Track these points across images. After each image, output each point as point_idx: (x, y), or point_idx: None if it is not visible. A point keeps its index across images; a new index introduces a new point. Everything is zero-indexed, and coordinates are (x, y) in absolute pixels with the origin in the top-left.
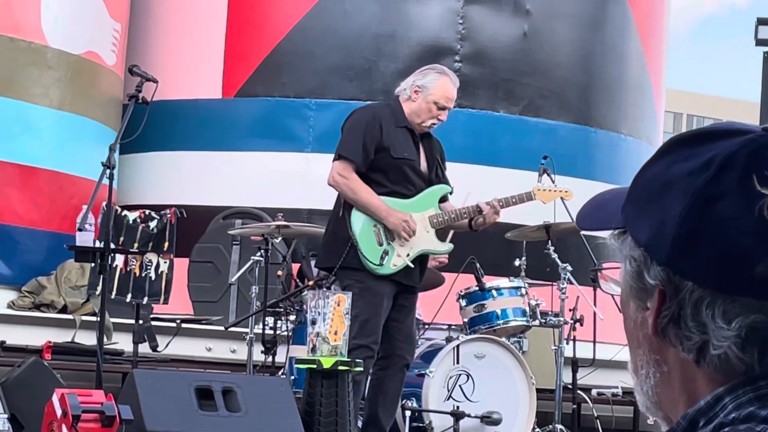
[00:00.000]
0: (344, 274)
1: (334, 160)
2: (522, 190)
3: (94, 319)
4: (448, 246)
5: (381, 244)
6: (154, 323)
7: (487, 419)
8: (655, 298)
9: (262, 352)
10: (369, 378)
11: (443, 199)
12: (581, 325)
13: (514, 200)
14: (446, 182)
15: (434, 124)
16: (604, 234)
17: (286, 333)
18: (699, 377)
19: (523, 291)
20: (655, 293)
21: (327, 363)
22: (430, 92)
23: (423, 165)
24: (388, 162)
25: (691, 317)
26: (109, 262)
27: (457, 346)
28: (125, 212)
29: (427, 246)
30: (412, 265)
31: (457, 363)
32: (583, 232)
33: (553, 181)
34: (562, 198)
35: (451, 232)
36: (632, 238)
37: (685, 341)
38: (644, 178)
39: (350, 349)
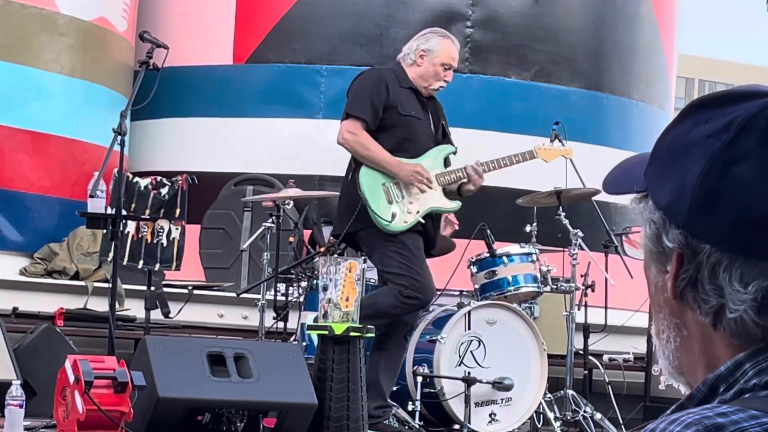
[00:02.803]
0: (372, 236)
1: (343, 119)
2: (528, 165)
3: (106, 285)
4: (456, 203)
5: (391, 202)
6: (165, 290)
7: (499, 385)
8: (674, 261)
9: (273, 318)
10: (372, 342)
11: (447, 160)
12: (592, 291)
13: (516, 159)
14: (451, 143)
15: (441, 86)
16: (617, 199)
17: (297, 299)
18: (717, 342)
19: (534, 257)
20: (674, 256)
21: (338, 329)
22: (436, 55)
23: (431, 125)
24: (395, 120)
25: (708, 280)
26: (121, 229)
27: (469, 312)
28: (137, 179)
29: (436, 204)
30: (423, 221)
31: (469, 329)
32: (595, 198)
33: (563, 145)
34: (569, 159)
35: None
36: (652, 200)
37: (703, 304)
38: (666, 140)
39: (409, 296)
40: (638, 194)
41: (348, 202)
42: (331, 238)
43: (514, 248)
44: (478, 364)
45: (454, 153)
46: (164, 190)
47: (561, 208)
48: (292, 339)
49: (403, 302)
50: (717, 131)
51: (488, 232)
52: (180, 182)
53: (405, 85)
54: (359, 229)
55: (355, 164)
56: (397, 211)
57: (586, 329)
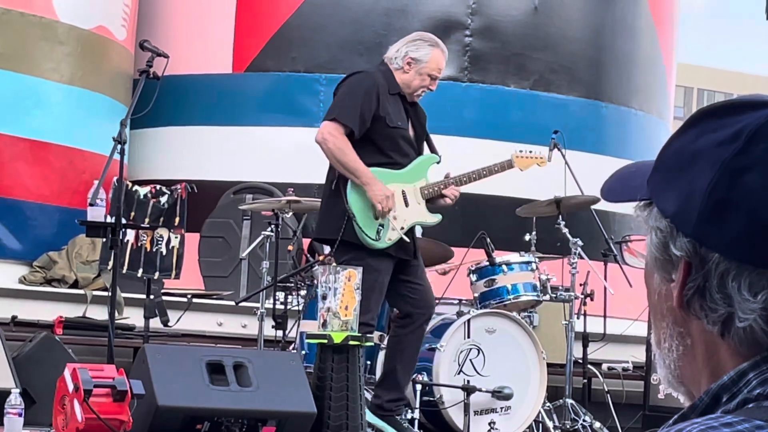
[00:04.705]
0: (342, 250)
1: (327, 119)
2: (526, 176)
3: (105, 293)
4: (437, 217)
5: (377, 218)
6: (165, 298)
7: (498, 394)
8: (681, 269)
9: (273, 327)
10: (387, 337)
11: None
12: (592, 299)
13: (495, 169)
14: (434, 151)
15: (424, 92)
16: (617, 208)
17: (296, 308)
18: (723, 351)
19: (534, 266)
20: (681, 265)
21: (338, 338)
22: (423, 65)
23: (411, 133)
24: (383, 131)
25: (716, 289)
26: (120, 237)
27: (468, 320)
28: (136, 187)
29: (419, 218)
30: (407, 239)
31: (468, 337)
32: (594, 207)
33: (564, 156)
34: (567, 167)
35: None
36: (658, 209)
37: (710, 313)
38: (671, 149)
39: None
40: (641, 202)
41: (330, 210)
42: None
43: (513, 257)
44: (478, 373)
45: (438, 162)
46: (163, 199)
47: (560, 216)
48: (291, 348)
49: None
50: (726, 140)
51: (488, 240)
52: (179, 191)
53: (393, 91)
54: (337, 240)
55: (339, 173)
56: (382, 228)
57: (586, 338)
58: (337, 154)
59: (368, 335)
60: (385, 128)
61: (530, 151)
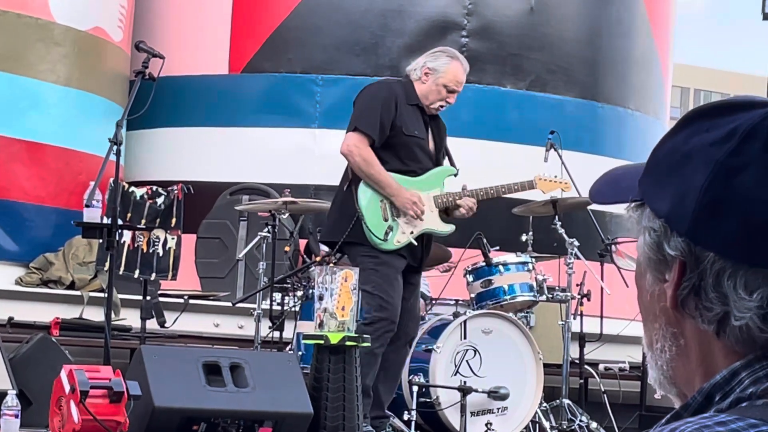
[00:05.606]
0: (356, 251)
1: (350, 131)
2: (524, 177)
3: (101, 295)
4: (450, 227)
5: (386, 220)
6: (161, 299)
7: (495, 394)
8: (675, 269)
9: (269, 327)
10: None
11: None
12: (588, 300)
13: (516, 187)
14: (453, 165)
15: (442, 106)
16: (612, 209)
17: (293, 309)
18: (717, 350)
19: (530, 266)
20: (675, 265)
21: (334, 338)
22: (440, 75)
23: (431, 145)
24: (399, 139)
25: (712, 288)
26: (117, 238)
27: (465, 321)
28: (132, 188)
29: (431, 226)
30: (415, 243)
31: (465, 338)
32: (591, 207)
33: (560, 156)
34: (563, 189)
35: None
36: (651, 209)
37: (706, 312)
38: (664, 149)
39: (370, 322)
40: (633, 203)
41: (342, 213)
42: (326, 248)
43: (510, 257)
44: (474, 374)
45: (455, 175)
46: (160, 200)
47: (557, 217)
48: (287, 348)
49: (370, 324)
50: (719, 140)
51: (484, 240)
52: (176, 192)
53: (411, 102)
54: (349, 242)
55: (353, 176)
56: (391, 230)
57: (582, 338)
58: (363, 167)
59: (388, 333)
60: (402, 136)
61: (555, 176)
